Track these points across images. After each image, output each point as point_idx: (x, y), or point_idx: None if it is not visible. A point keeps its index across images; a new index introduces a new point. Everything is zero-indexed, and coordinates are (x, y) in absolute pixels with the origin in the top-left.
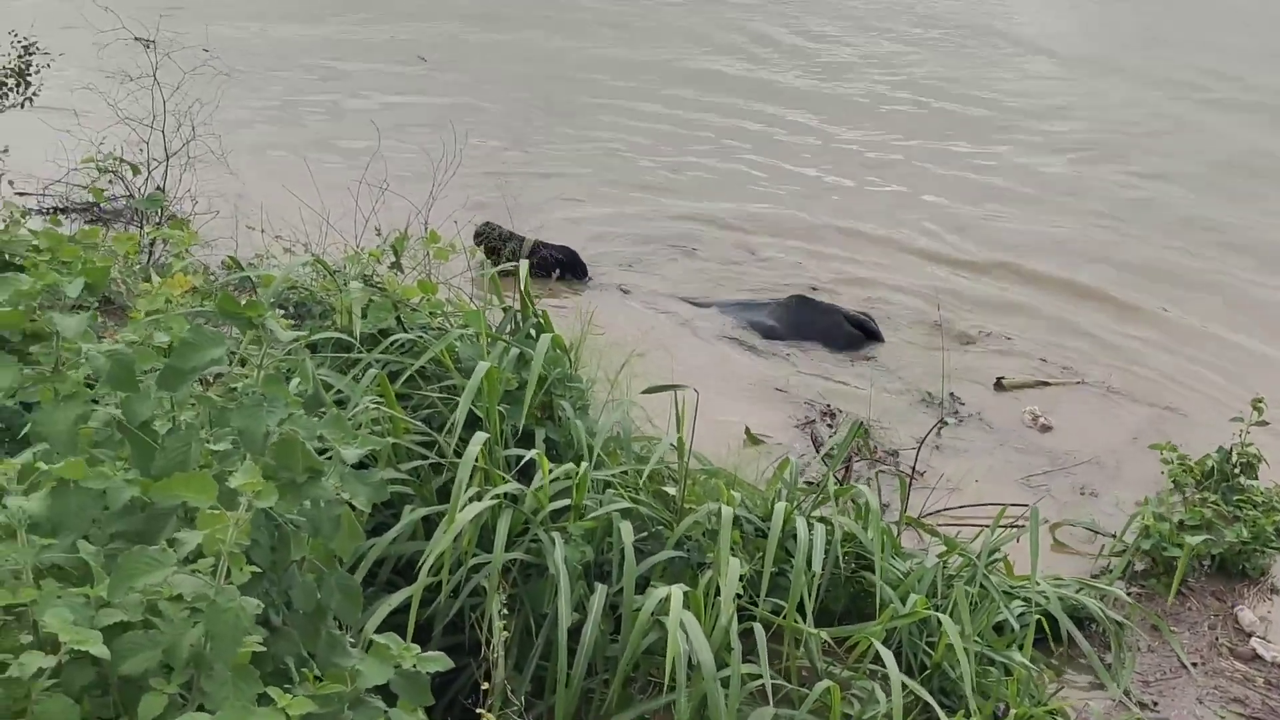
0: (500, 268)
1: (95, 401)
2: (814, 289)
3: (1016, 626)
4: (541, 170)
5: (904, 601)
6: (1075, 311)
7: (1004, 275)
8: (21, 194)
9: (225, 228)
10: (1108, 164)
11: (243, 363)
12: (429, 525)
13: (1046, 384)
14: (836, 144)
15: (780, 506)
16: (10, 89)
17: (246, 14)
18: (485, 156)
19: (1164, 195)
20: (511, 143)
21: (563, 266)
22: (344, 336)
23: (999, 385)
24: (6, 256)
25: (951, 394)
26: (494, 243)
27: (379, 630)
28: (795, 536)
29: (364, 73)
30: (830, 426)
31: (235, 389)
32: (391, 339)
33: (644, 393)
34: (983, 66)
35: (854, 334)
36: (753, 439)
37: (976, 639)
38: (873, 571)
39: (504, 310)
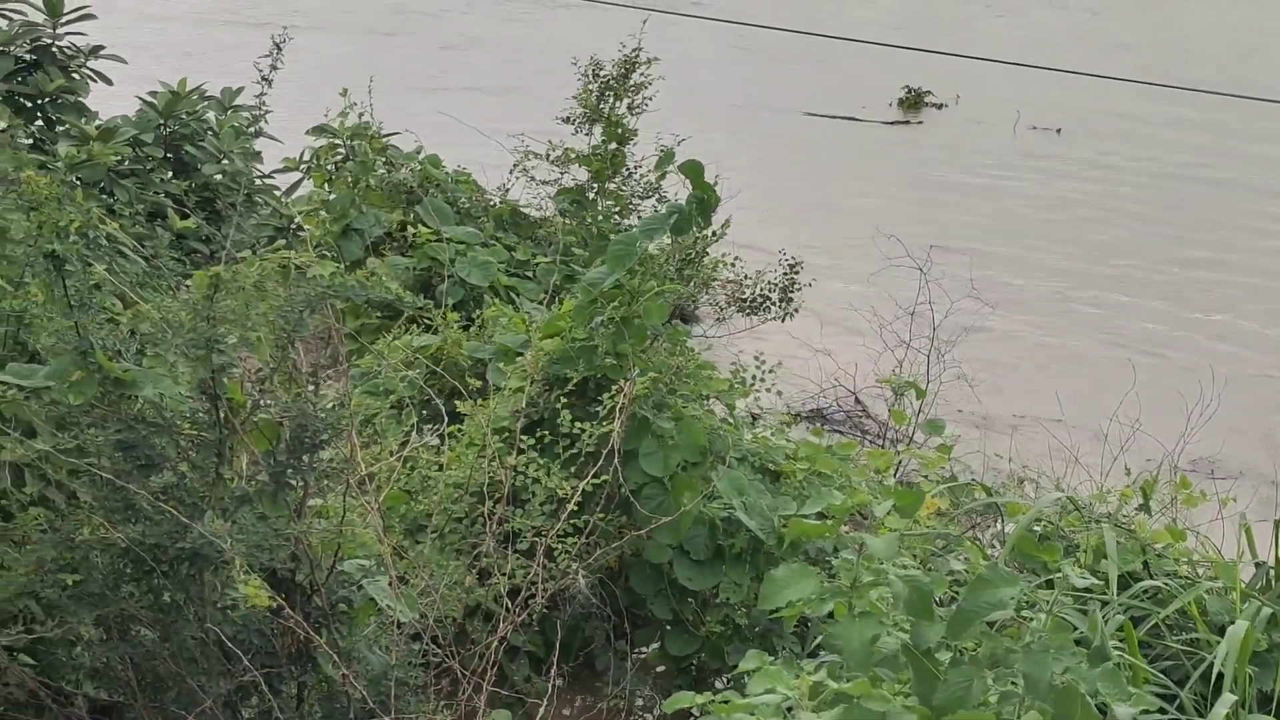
0: None
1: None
2: None
3: None
4: None
5: None
6: None
7: None
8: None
9: (965, 445)
10: None
11: (1030, 604)
12: None
13: None
14: None
15: None
16: (774, 303)
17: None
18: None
19: None
20: None
21: None
22: (1094, 580)
23: None
24: (767, 465)
25: None
26: None
27: None
28: None
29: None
30: None
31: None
32: (1138, 584)
33: None
34: None
35: None
36: None
37: None
38: None
39: (1256, 565)
